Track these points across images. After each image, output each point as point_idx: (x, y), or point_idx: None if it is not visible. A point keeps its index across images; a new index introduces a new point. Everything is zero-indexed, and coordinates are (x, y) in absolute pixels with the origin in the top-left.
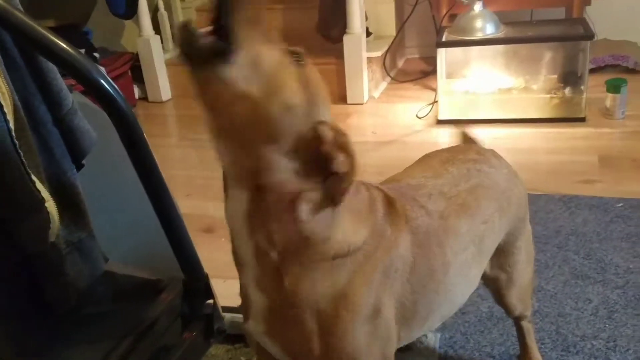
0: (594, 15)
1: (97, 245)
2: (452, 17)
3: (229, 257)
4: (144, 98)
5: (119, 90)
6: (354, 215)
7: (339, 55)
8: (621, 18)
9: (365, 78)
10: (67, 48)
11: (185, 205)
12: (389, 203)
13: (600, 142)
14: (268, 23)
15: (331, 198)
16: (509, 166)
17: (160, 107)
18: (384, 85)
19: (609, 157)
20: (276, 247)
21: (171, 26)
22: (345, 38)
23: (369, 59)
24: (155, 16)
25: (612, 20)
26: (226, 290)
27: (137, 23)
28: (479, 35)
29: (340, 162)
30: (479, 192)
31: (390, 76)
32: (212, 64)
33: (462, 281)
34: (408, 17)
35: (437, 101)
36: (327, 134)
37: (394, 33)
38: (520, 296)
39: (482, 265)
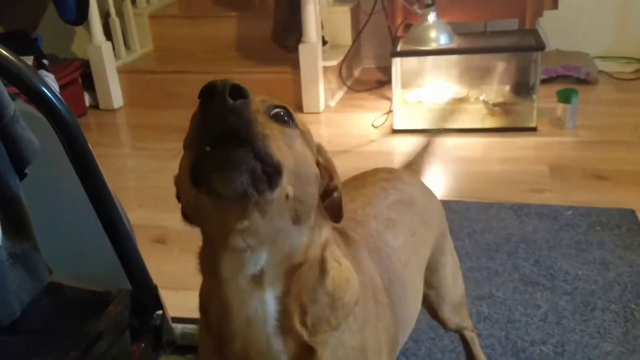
0: (546, 26)
1: (41, 257)
2: (407, 27)
3: (181, 268)
4: (95, 106)
5: (61, 98)
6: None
7: (295, 64)
8: (573, 29)
9: (321, 87)
10: (7, 55)
11: (137, 216)
12: (341, 233)
13: (551, 151)
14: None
15: (335, 217)
16: (422, 182)
17: (112, 115)
18: (340, 94)
19: (559, 167)
20: (308, 326)
21: (123, 33)
22: (301, 47)
23: (325, 68)
24: (106, 22)
25: (564, 32)
26: (178, 302)
27: (88, 29)
28: (433, 46)
29: (336, 182)
30: (399, 207)
31: (346, 85)
32: (267, 191)
33: (415, 294)
34: (364, 26)
35: (392, 111)
36: (331, 163)
37: (350, 42)
38: (453, 310)
39: (422, 277)
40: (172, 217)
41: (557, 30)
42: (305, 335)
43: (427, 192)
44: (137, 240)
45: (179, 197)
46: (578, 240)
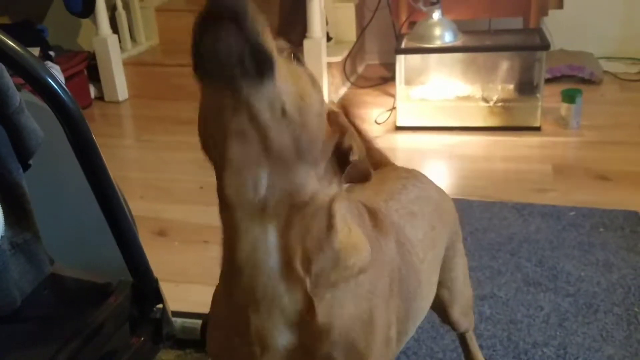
0: (551, 25)
1: (42, 247)
2: (412, 24)
3: (181, 261)
4: (100, 98)
5: (65, 89)
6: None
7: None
8: (578, 29)
9: (325, 83)
10: (14, 45)
11: (139, 207)
12: (372, 214)
13: (555, 151)
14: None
15: (363, 179)
16: (435, 183)
17: (117, 107)
18: (343, 90)
19: (562, 166)
20: (311, 273)
21: (129, 26)
22: (306, 42)
23: (329, 64)
24: (113, 15)
25: (568, 31)
26: (178, 295)
27: (94, 22)
28: (437, 43)
29: (356, 148)
30: (420, 202)
31: (350, 81)
32: (256, 80)
33: (429, 289)
34: (368, 23)
35: (395, 107)
36: (346, 123)
37: (354, 38)
38: (463, 312)
39: (438, 272)
40: (173, 209)
41: (562, 29)
42: (308, 283)
43: (442, 191)
44: (138, 231)
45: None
46: (581, 241)
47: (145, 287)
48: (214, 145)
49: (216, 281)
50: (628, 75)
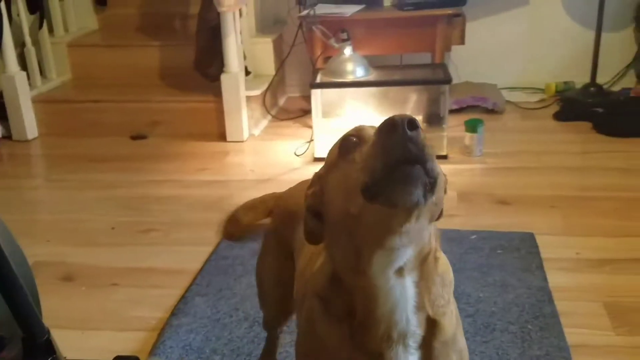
0: (457, 59)
1: None
2: (327, 59)
3: (88, 307)
4: (8, 137)
5: None
6: None
7: (218, 93)
8: (482, 62)
9: (244, 116)
10: None
11: (45, 252)
12: None
13: (460, 178)
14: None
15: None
16: None
17: (26, 146)
18: (264, 123)
19: (467, 193)
20: (432, 301)
21: (39, 61)
22: (223, 77)
23: (249, 98)
24: (22, 52)
25: (473, 65)
26: (84, 343)
27: (2, 59)
28: (350, 78)
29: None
30: None
31: (270, 114)
32: (426, 202)
33: None
34: (286, 57)
35: (313, 139)
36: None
37: (273, 72)
38: None
39: None
40: (82, 252)
41: (467, 63)
42: (430, 311)
43: None
44: (41, 277)
45: (309, 215)
46: (481, 263)
47: (35, 340)
48: (355, 229)
49: (125, 325)
50: (529, 104)
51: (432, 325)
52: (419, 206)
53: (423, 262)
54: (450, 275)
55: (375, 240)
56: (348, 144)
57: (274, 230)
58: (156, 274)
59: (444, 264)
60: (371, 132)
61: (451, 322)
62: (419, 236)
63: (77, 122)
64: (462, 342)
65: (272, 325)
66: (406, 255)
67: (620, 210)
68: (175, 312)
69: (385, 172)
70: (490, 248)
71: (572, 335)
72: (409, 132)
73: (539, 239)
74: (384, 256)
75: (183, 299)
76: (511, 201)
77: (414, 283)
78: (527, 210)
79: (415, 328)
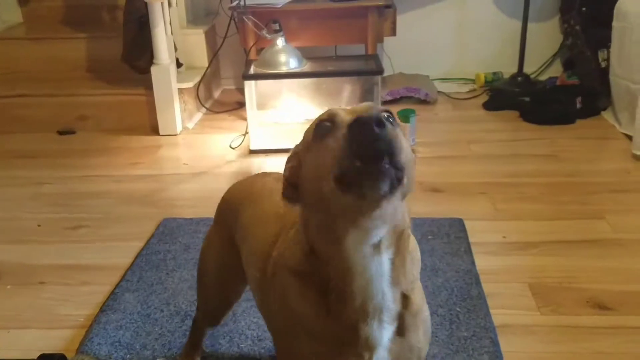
0: (391, 51)
1: None
2: (261, 50)
3: (14, 305)
4: None
5: None
6: None
7: (149, 85)
8: (414, 53)
9: (177, 109)
10: None
11: None
12: None
13: None
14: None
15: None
16: None
17: None
18: (199, 116)
19: None
20: (406, 277)
21: None
22: (153, 69)
23: (181, 90)
24: None
25: (406, 56)
26: (10, 342)
27: None
28: (283, 69)
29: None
30: None
31: (205, 107)
32: (396, 191)
33: None
34: (218, 49)
35: (248, 132)
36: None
37: (206, 64)
38: None
39: None
40: (6, 251)
41: (400, 54)
42: (404, 286)
43: None
44: None
45: (287, 184)
46: None
47: None
48: (330, 209)
49: (53, 323)
50: (460, 94)
51: (404, 300)
52: (387, 198)
53: (399, 239)
54: (418, 254)
55: (348, 220)
56: (322, 128)
57: (218, 221)
58: (85, 271)
59: (413, 242)
60: (344, 116)
61: (420, 296)
62: (392, 216)
63: (2, 118)
64: (426, 312)
65: (210, 322)
66: (380, 232)
67: (546, 194)
68: (103, 309)
69: (354, 167)
70: (421, 234)
71: (498, 316)
72: (376, 130)
73: (468, 224)
74: (359, 233)
75: (112, 295)
76: (443, 189)
77: (390, 260)
78: (458, 197)
79: (390, 303)
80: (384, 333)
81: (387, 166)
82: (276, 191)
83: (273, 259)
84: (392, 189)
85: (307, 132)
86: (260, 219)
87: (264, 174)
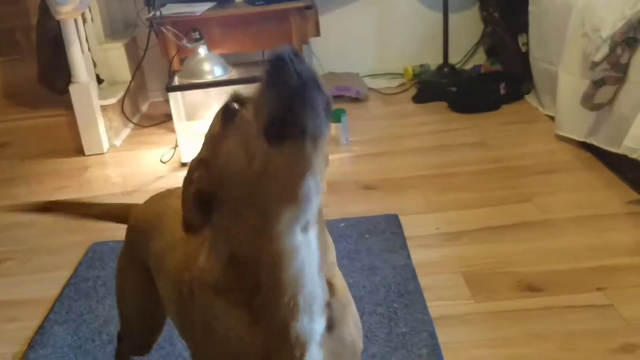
0: (319, 51)
1: None
2: (184, 60)
3: None
4: None
5: None
6: None
7: (69, 105)
8: (341, 52)
9: (101, 127)
10: None
11: None
12: None
13: (328, 169)
14: None
15: None
16: None
17: None
18: (126, 131)
19: (334, 182)
20: (326, 263)
21: None
22: (72, 88)
23: (104, 107)
24: None
25: (334, 55)
26: None
27: None
28: (208, 78)
29: None
30: None
31: (132, 122)
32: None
33: None
34: (140, 61)
35: (178, 145)
36: None
37: (129, 78)
38: None
39: None
40: None
41: (328, 54)
42: (326, 272)
43: None
44: None
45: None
46: (349, 250)
47: None
48: (258, 188)
49: None
50: (390, 89)
51: (330, 288)
52: (324, 132)
53: (319, 217)
54: (330, 238)
55: (285, 192)
56: (230, 109)
57: (129, 249)
58: (12, 307)
59: (324, 225)
60: (246, 91)
61: (342, 284)
62: (322, 177)
63: None
64: (354, 307)
65: (138, 352)
66: (315, 205)
67: (475, 183)
68: (32, 345)
69: (286, 104)
70: (358, 234)
71: (435, 308)
72: (297, 59)
73: (403, 219)
74: (293, 210)
75: (40, 329)
76: (377, 186)
77: (317, 238)
78: (391, 193)
79: (320, 290)
80: (315, 327)
81: (318, 91)
82: (180, 211)
83: (188, 279)
84: (327, 121)
85: (210, 129)
86: (169, 246)
87: (166, 194)
